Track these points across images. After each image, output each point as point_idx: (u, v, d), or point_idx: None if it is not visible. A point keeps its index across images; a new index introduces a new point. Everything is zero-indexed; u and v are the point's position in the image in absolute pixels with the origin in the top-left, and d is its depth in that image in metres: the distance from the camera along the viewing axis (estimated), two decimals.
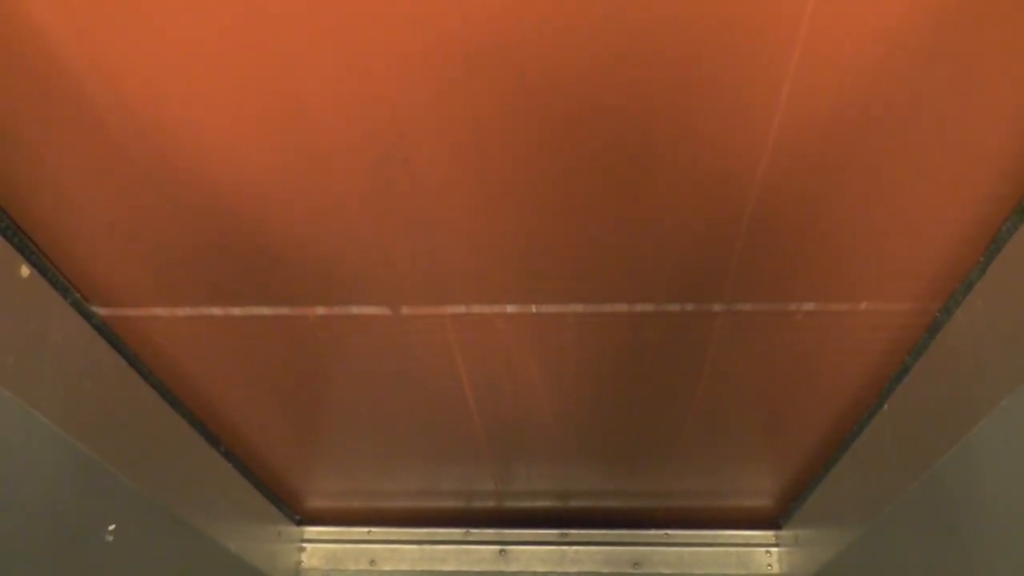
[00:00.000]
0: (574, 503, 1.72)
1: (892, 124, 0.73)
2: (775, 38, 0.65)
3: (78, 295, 0.94)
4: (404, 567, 1.79)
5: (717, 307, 1.01)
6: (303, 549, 1.82)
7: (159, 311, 1.03)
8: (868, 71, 0.68)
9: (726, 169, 0.79)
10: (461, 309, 1.01)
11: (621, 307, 1.02)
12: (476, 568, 1.78)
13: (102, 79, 0.69)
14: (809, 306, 1.01)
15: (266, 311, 1.04)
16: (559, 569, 1.77)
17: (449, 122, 0.74)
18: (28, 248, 0.85)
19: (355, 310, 1.03)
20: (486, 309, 1.02)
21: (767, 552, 1.74)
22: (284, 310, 1.04)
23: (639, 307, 1.02)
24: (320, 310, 1.03)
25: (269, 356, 1.17)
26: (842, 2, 0.62)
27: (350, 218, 0.87)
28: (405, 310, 1.02)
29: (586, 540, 1.78)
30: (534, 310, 1.03)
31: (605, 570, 1.76)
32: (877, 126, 0.73)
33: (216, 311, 1.04)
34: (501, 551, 1.79)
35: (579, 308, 1.03)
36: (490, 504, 1.73)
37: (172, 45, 0.67)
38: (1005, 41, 0.65)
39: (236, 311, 1.04)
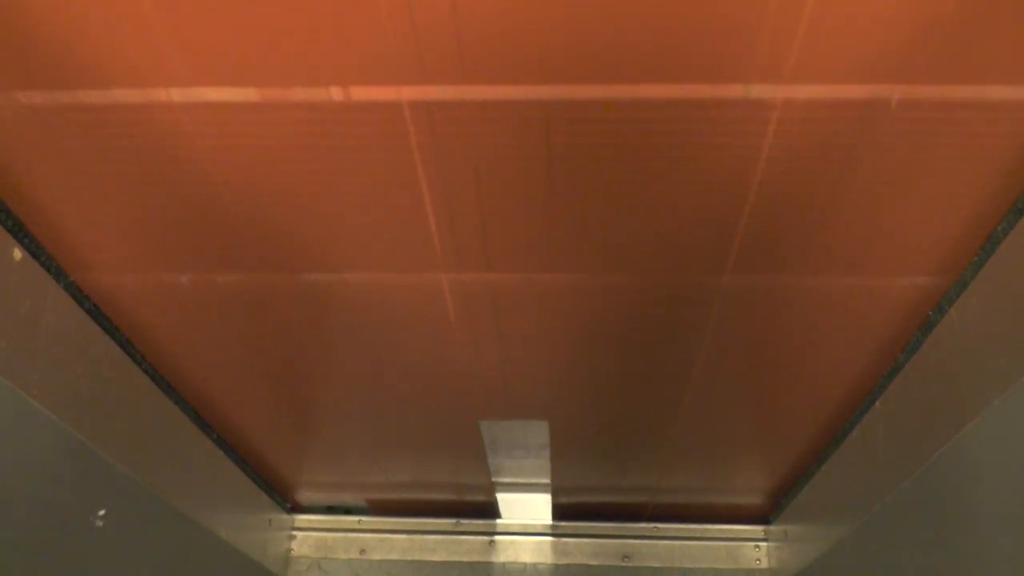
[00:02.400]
0: (565, 497, 1.73)
1: (890, 121, 0.73)
2: (778, 26, 0.65)
3: (71, 279, 0.93)
4: (394, 556, 1.80)
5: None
6: (293, 537, 1.82)
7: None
8: (868, 63, 0.68)
9: (727, 162, 0.79)
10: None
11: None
12: (465, 559, 1.79)
13: (100, 70, 0.69)
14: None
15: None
16: (548, 561, 1.77)
17: (443, 111, 0.74)
18: (21, 231, 0.85)
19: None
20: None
21: (756, 547, 1.75)
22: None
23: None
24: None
25: (263, 343, 1.16)
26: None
27: (347, 213, 0.87)
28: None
29: (576, 532, 1.79)
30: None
31: (594, 562, 1.77)
32: (876, 122, 0.74)
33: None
34: (491, 542, 1.79)
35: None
36: (481, 496, 1.74)
37: (169, 40, 0.66)
38: (1004, 38, 0.65)
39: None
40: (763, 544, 1.75)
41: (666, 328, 1.08)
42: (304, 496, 1.78)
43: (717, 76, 0.69)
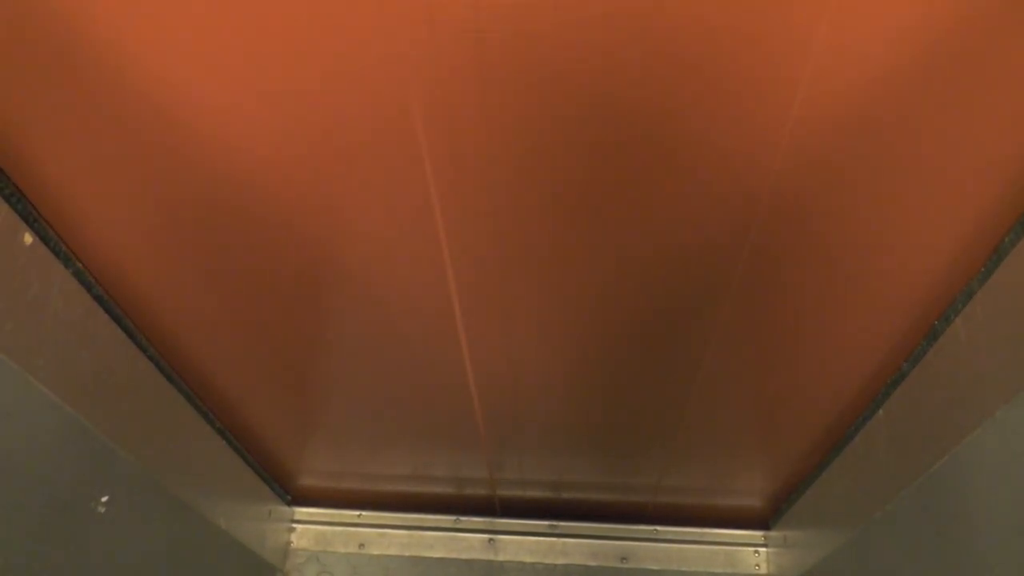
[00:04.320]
0: (565, 495, 1.73)
1: (900, 132, 0.73)
2: (792, 40, 0.65)
3: (79, 265, 0.94)
4: (393, 552, 1.80)
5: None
6: (293, 529, 1.82)
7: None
8: (880, 78, 0.68)
9: (738, 173, 0.79)
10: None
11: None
12: (464, 556, 1.79)
13: (113, 55, 0.70)
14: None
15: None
16: (547, 560, 1.78)
17: (456, 114, 0.74)
18: (31, 216, 0.85)
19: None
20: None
21: (755, 552, 1.75)
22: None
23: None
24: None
25: (267, 334, 1.17)
26: (860, 12, 0.62)
27: (354, 207, 0.88)
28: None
29: (575, 533, 1.79)
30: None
31: (593, 563, 1.77)
32: (886, 133, 0.74)
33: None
34: (490, 540, 1.80)
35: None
36: (481, 492, 1.74)
37: (182, 29, 0.67)
38: (1012, 52, 0.65)
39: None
40: (762, 549, 1.75)
41: (672, 330, 1.08)
42: (305, 489, 1.78)
43: (731, 80, 0.70)
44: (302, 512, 1.84)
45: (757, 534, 1.76)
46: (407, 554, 1.80)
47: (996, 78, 0.68)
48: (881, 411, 1.11)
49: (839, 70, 0.67)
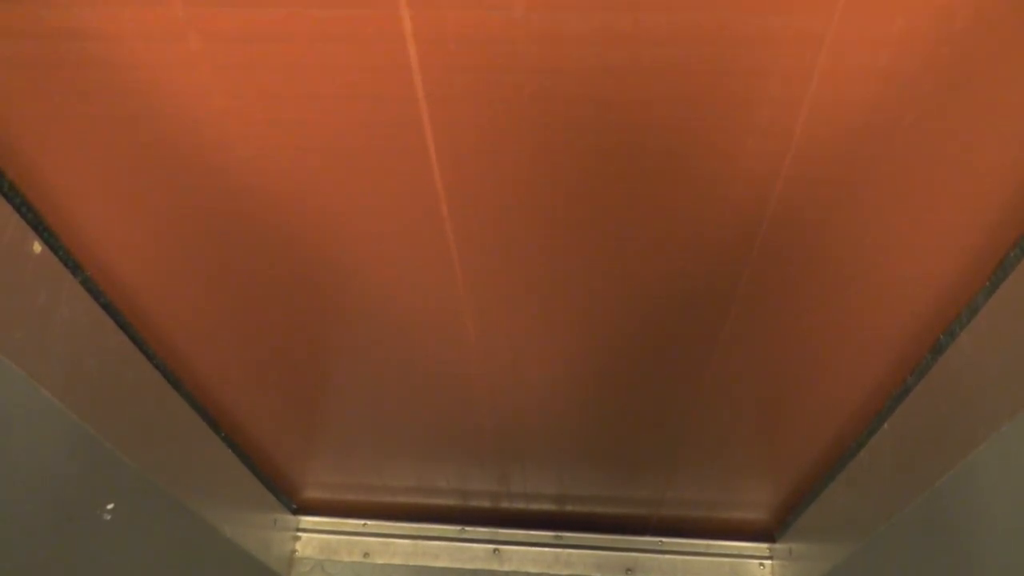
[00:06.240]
0: (570, 507, 1.73)
1: (906, 145, 0.73)
2: (798, 55, 0.65)
3: (87, 274, 0.94)
4: (397, 561, 1.80)
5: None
6: (298, 538, 1.82)
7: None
8: (887, 88, 0.68)
9: (743, 185, 0.80)
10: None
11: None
12: (469, 566, 1.79)
13: (122, 67, 0.70)
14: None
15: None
16: (551, 571, 1.77)
17: (464, 128, 0.75)
18: (40, 225, 0.86)
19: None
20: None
21: (760, 564, 1.74)
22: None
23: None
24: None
25: (274, 344, 1.17)
26: (864, 22, 0.62)
27: (360, 214, 0.88)
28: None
29: (580, 543, 1.78)
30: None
31: (597, 574, 1.76)
32: (892, 147, 0.74)
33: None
34: (495, 550, 1.79)
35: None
36: (486, 503, 1.74)
37: (192, 40, 0.68)
38: (1018, 62, 0.65)
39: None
40: (767, 562, 1.74)
41: (677, 342, 1.08)
42: (309, 498, 1.79)
43: (739, 87, 0.70)
44: (307, 521, 1.84)
45: (762, 546, 1.75)
46: (412, 563, 1.79)
47: (1002, 88, 0.68)
48: (886, 424, 1.10)
49: (846, 78, 0.67)
